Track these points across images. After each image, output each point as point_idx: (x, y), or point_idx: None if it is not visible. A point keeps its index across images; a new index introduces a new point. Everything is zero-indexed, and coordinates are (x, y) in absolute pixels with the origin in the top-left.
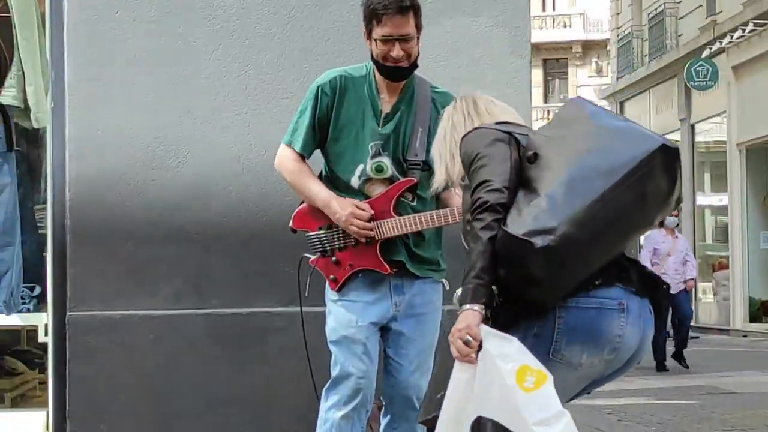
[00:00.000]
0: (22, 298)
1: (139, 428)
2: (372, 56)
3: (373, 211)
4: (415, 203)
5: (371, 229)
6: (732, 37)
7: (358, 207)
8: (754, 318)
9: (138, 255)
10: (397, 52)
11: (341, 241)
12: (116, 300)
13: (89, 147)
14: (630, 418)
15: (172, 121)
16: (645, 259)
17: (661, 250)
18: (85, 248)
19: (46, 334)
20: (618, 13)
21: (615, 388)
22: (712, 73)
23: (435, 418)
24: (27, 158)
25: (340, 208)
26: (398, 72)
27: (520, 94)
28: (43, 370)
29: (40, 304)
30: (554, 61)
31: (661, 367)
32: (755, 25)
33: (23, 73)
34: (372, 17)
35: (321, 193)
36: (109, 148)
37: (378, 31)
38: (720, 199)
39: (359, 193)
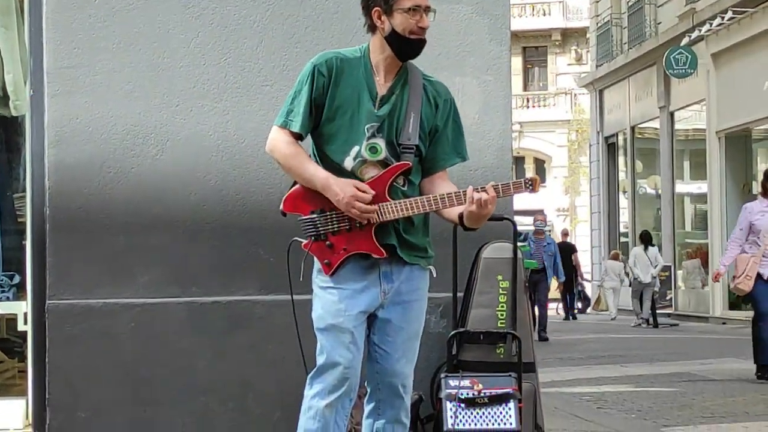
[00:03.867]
0: (1, 287)
1: (118, 416)
2: (389, 33)
3: (374, 192)
4: (406, 188)
5: (373, 212)
6: (711, 24)
7: (358, 189)
8: (733, 305)
9: (118, 243)
10: (425, 21)
11: (335, 225)
12: (96, 288)
13: (68, 135)
14: (610, 405)
15: (151, 109)
16: (735, 242)
17: (760, 225)
18: (64, 237)
19: (25, 322)
20: (597, 1)
21: (594, 376)
22: (691, 60)
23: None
24: (6, 146)
25: (341, 189)
26: (420, 45)
27: (500, 81)
28: (22, 358)
29: (19, 292)
30: (534, 48)
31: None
32: (734, 12)
33: (1, 60)
34: None
35: (318, 173)
36: (88, 137)
37: (406, 2)
38: (699, 187)
39: (352, 176)
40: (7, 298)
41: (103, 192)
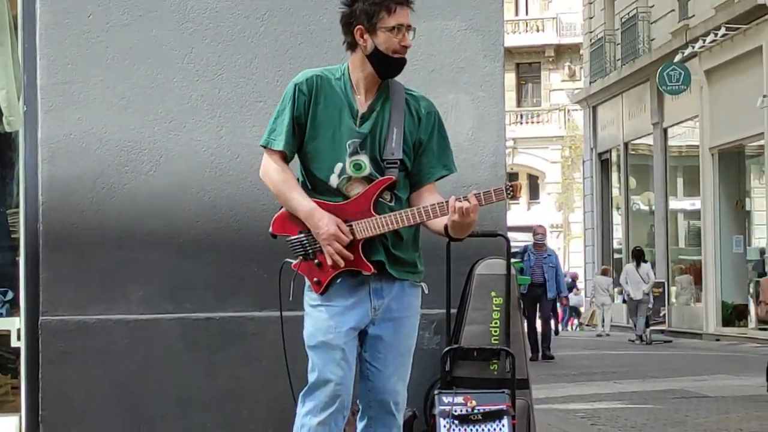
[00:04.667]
0: None
1: None
2: (371, 52)
3: (351, 237)
4: (393, 203)
5: (346, 259)
6: (704, 41)
7: (340, 229)
8: (726, 322)
9: (111, 259)
10: (407, 40)
11: None
12: (89, 305)
13: (62, 151)
14: (603, 422)
15: (145, 124)
16: None
17: None
18: (57, 252)
19: (18, 338)
20: (591, 18)
21: (588, 392)
22: (684, 77)
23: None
24: None
25: (323, 225)
26: (401, 64)
27: (493, 97)
28: (15, 375)
29: (12, 308)
30: (527, 65)
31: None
32: (727, 29)
33: None
34: (381, 8)
35: (303, 205)
36: (81, 152)
37: (390, 21)
38: (692, 204)
39: (338, 194)
40: (0, 315)
41: (97, 208)
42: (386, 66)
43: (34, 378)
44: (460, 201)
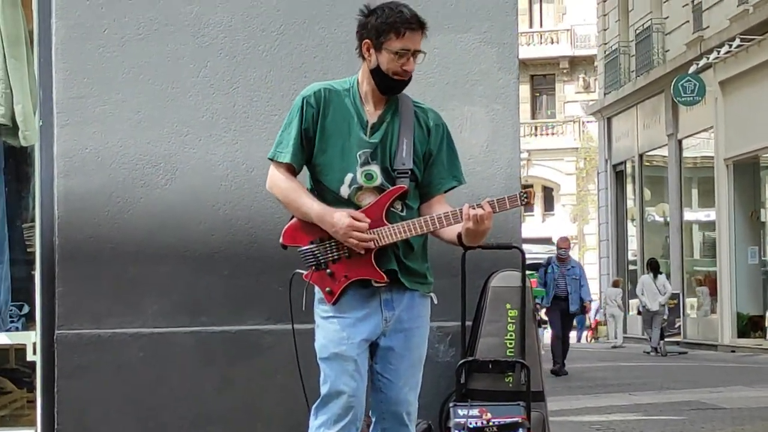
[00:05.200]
0: (11, 317)
1: None
2: (374, 68)
3: (369, 220)
4: (404, 213)
5: (371, 240)
6: (719, 52)
7: (354, 218)
8: (742, 333)
9: (126, 273)
10: (410, 65)
11: (335, 253)
12: (105, 318)
13: (77, 165)
14: None
15: (160, 138)
16: None
17: None
18: (73, 266)
19: (34, 352)
20: (605, 29)
21: (603, 404)
22: (699, 88)
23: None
24: (15, 176)
25: (337, 220)
26: (400, 85)
27: (508, 109)
28: (31, 388)
29: (28, 322)
30: (542, 77)
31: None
32: (742, 40)
33: (11, 91)
34: (391, 30)
35: (314, 207)
36: (97, 166)
37: (396, 44)
38: (707, 215)
39: (349, 204)
40: (17, 329)
41: (112, 222)
42: (386, 85)
43: (50, 392)
44: (474, 208)
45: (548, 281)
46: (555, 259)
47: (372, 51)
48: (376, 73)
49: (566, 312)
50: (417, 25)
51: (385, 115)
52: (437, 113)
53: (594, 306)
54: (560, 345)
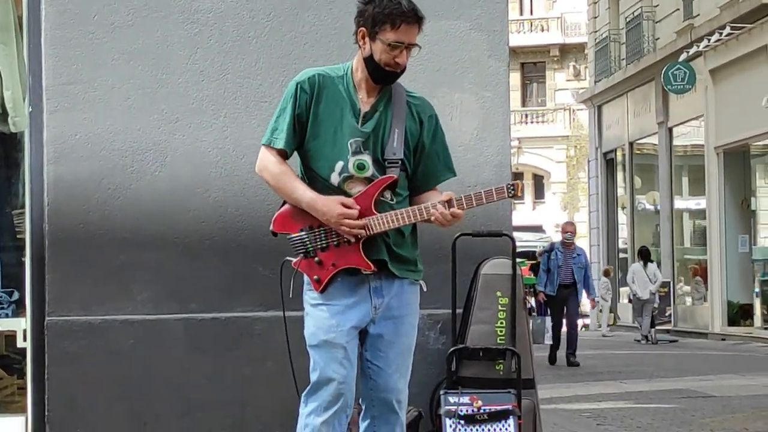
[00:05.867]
0: (1, 304)
1: None
2: (368, 56)
3: (359, 207)
4: (394, 202)
5: (362, 227)
6: (709, 40)
7: (344, 205)
8: (732, 321)
9: (117, 260)
10: (403, 58)
11: (324, 241)
12: (95, 305)
13: (67, 151)
14: (609, 422)
15: (150, 125)
16: None
17: None
18: (63, 253)
19: (24, 339)
20: (595, 17)
21: (594, 392)
22: (689, 76)
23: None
24: (5, 162)
25: (328, 208)
26: (393, 76)
27: (498, 97)
28: (21, 375)
29: (18, 309)
30: (532, 64)
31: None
32: (732, 28)
33: (0, 77)
34: (386, 21)
35: (306, 193)
36: (87, 153)
37: (390, 36)
38: (698, 203)
39: (339, 191)
40: (6, 315)
41: (102, 208)
42: (378, 74)
43: (40, 378)
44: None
45: (552, 267)
46: (559, 245)
47: (367, 39)
48: (369, 62)
49: (573, 300)
50: (414, 18)
51: (378, 104)
52: (429, 104)
53: None
54: (570, 333)
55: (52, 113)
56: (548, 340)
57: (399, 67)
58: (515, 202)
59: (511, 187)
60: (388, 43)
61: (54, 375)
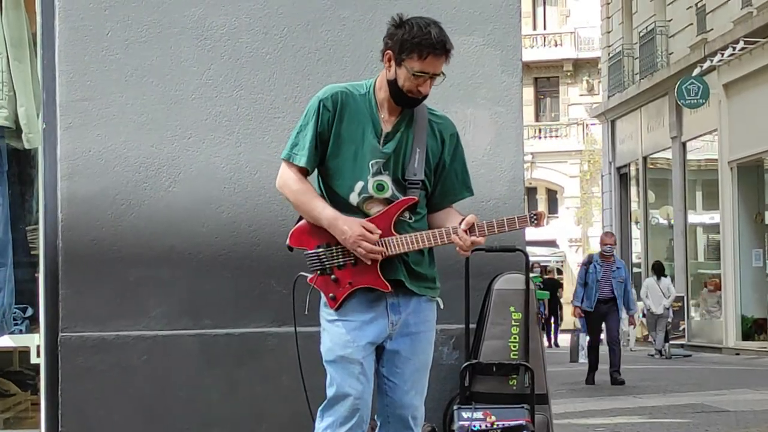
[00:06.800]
0: (14, 319)
1: None
2: (392, 80)
3: (380, 231)
4: (412, 221)
5: (379, 252)
6: (723, 55)
7: (365, 228)
8: (746, 336)
9: (130, 276)
10: (426, 87)
11: (340, 259)
12: (108, 321)
13: (81, 168)
14: None
15: (163, 141)
16: None
17: None
18: (77, 269)
19: (38, 355)
20: (609, 32)
21: (608, 407)
22: (702, 91)
23: None
24: (18, 179)
25: (348, 228)
26: (414, 102)
27: (512, 112)
28: (35, 391)
29: (32, 325)
30: (545, 79)
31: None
32: (746, 43)
33: (15, 93)
34: (413, 50)
35: (326, 212)
36: (100, 169)
37: (416, 65)
38: (711, 217)
39: (358, 211)
40: (20, 331)
41: (116, 224)
42: (400, 99)
43: (54, 394)
44: (475, 228)
45: (589, 281)
46: (598, 257)
47: (392, 63)
48: (392, 85)
49: (613, 316)
50: (442, 51)
51: (399, 123)
52: (451, 122)
53: None
54: (611, 350)
55: (66, 129)
56: (583, 359)
57: (421, 94)
58: None
59: (534, 217)
60: (413, 72)
61: (67, 391)
